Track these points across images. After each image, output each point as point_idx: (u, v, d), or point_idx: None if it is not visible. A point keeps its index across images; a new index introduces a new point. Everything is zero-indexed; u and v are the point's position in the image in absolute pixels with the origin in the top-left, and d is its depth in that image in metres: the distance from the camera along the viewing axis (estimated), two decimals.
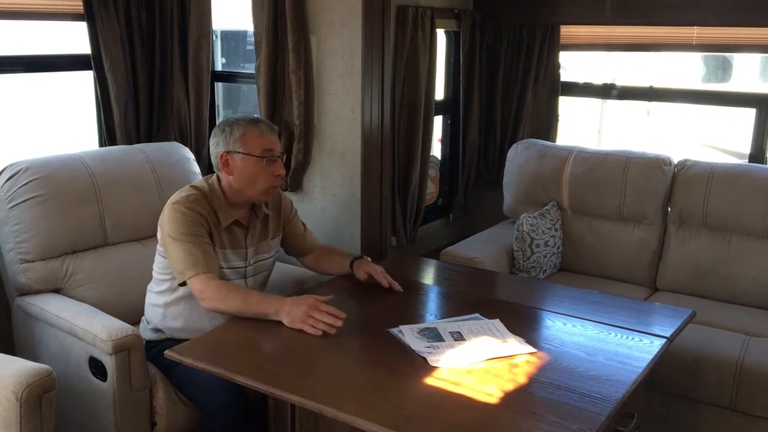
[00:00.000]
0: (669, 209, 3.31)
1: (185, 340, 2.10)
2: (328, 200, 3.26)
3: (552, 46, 3.83)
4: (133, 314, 2.49)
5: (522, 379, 1.81)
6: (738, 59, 6.54)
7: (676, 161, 3.33)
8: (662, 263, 3.30)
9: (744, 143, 3.64)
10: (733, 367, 2.56)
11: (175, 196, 2.24)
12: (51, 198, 2.52)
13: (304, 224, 2.60)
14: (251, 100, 4.19)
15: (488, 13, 3.94)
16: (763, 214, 3.04)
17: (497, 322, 2.14)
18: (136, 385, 2.22)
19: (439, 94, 3.93)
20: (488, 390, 1.75)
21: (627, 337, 2.10)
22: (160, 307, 2.32)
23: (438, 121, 3.98)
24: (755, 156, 3.46)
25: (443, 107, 4.05)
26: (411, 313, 2.25)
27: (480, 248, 3.30)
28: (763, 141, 3.43)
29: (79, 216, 2.59)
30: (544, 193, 3.53)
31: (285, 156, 3.19)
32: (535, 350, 1.97)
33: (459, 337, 2.04)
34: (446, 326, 2.10)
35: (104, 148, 2.97)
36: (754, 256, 3.07)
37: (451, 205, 4.20)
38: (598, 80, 3.98)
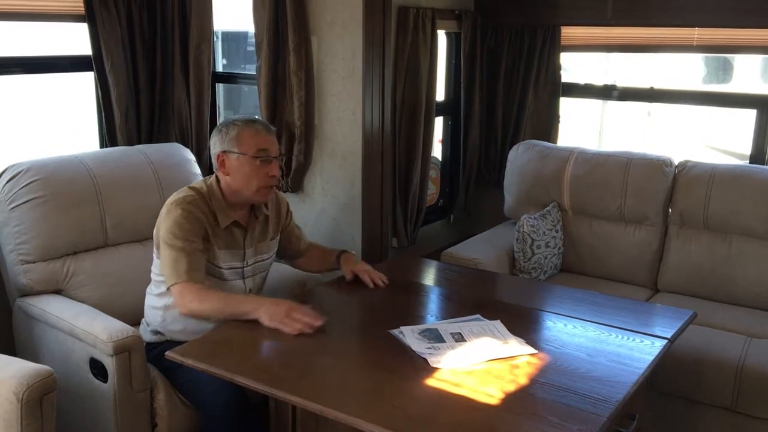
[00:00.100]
0: (670, 210, 3.31)
1: (185, 342, 2.10)
2: (329, 201, 3.26)
3: (553, 47, 3.83)
4: (134, 315, 2.49)
5: (523, 381, 1.81)
6: (739, 60, 6.53)
7: (677, 162, 3.32)
8: (663, 264, 3.29)
9: (745, 144, 3.63)
10: (734, 369, 2.56)
11: (172, 198, 2.24)
12: (52, 199, 2.52)
13: (298, 227, 2.61)
14: (252, 101, 4.19)
15: (489, 14, 3.95)
16: (764, 216, 3.04)
17: (498, 323, 2.13)
18: (137, 387, 2.22)
19: (440, 95, 3.93)
20: (489, 391, 1.75)
21: (628, 339, 2.10)
22: (160, 309, 2.32)
23: (439, 122, 3.98)
24: (756, 157, 3.46)
25: (444, 108, 4.05)
26: (412, 314, 2.25)
27: (481, 249, 3.29)
28: (764, 142, 3.43)
29: (80, 217, 2.59)
30: (545, 194, 3.52)
31: (284, 157, 3.19)
32: (536, 351, 1.97)
33: (460, 338, 2.03)
34: (447, 327, 2.10)
35: (105, 150, 2.97)
36: (755, 258, 3.06)
37: (451, 206, 4.20)
38: (598, 81, 3.99)
